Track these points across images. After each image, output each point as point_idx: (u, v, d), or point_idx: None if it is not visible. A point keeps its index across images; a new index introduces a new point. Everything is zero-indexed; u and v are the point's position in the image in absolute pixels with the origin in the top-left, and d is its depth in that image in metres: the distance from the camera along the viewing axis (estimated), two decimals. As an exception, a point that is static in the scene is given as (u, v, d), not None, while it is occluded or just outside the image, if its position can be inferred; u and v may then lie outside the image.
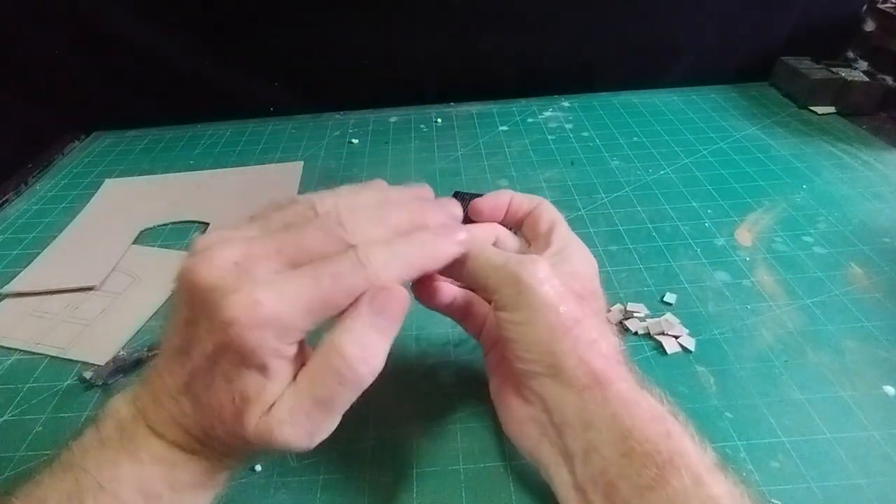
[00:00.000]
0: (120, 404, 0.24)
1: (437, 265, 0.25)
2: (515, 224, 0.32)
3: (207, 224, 0.52)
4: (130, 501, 0.22)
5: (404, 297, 0.23)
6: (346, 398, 0.22)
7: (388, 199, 0.26)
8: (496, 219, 0.32)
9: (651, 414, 0.24)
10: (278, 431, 0.21)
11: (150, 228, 0.52)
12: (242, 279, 0.20)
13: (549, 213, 0.31)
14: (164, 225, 0.53)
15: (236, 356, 0.20)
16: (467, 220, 0.32)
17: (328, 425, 0.23)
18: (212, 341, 0.21)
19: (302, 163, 0.61)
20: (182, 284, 0.22)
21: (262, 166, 0.62)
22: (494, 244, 0.31)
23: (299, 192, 0.57)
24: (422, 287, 0.30)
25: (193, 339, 0.21)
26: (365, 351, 0.22)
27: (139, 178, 0.61)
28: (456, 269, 0.27)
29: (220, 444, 0.23)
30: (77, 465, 0.22)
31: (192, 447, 0.23)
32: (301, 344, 0.22)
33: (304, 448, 0.23)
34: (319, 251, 0.22)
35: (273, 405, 0.22)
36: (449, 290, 0.32)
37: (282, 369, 0.22)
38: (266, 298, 0.20)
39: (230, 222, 0.24)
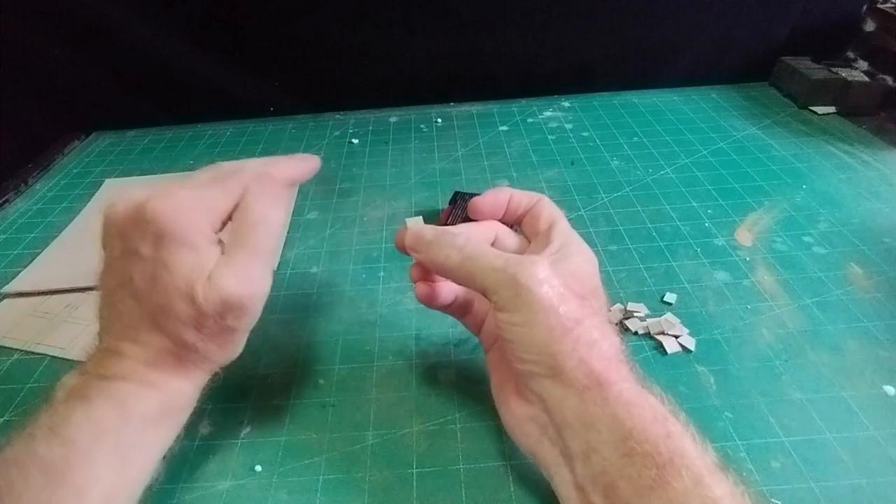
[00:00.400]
0: (66, 378, 0.26)
1: (293, 172, 0.31)
2: (515, 221, 0.32)
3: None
4: (80, 439, 0.24)
5: (279, 175, 0.30)
6: (266, 243, 0.28)
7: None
8: (496, 216, 0.32)
9: (652, 414, 0.24)
10: (223, 285, 0.26)
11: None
12: (156, 193, 0.26)
13: (549, 210, 0.31)
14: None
15: (171, 240, 0.25)
16: (467, 219, 0.32)
17: (262, 271, 0.28)
18: (147, 241, 0.25)
19: None
20: (107, 221, 0.27)
21: None
22: (494, 243, 0.31)
23: (298, 191, 0.57)
24: (423, 287, 0.31)
25: (130, 258, 0.26)
26: (264, 207, 0.28)
27: (139, 178, 0.61)
28: (454, 270, 0.28)
29: (171, 353, 0.26)
30: (30, 426, 0.24)
31: (141, 375, 0.26)
32: (220, 240, 0.27)
33: (249, 296, 0.27)
34: (212, 176, 0.29)
35: (212, 272, 0.26)
36: (450, 289, 0.32)
37: (210, 248, 0.27)
38: (178, 192, 0.26)
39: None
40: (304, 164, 0.32)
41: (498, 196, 0.32)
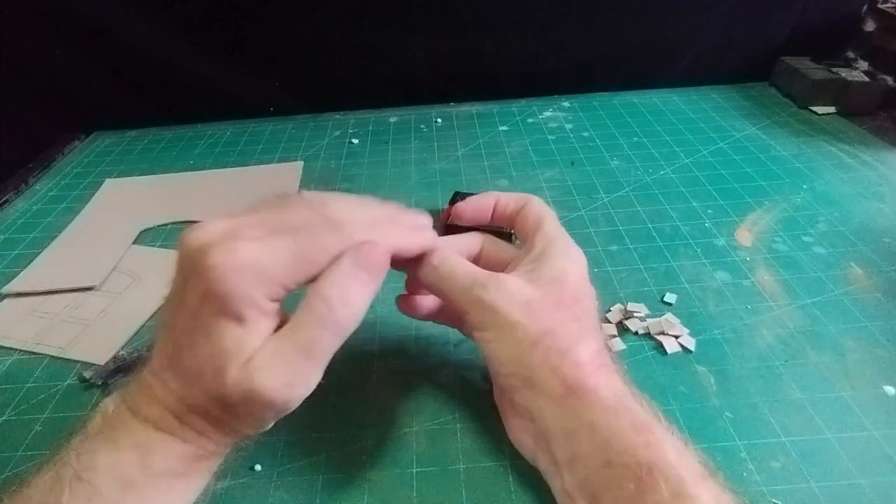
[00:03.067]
0: (109, 400, 0.24)
1: (406, 249, 0.26)
2: (507, 224, 0.32)
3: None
4: (106, 490, 0.22)
5: (385, 252, 0.24)
6: (327, 343, 0.23)
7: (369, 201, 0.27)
8: (481, 221, 0.32)
9: (631, 422, 0.23)
10: (257, 379, 0.21)
11: (151, 228, 0.52)
12: (227, 237, 0.22)
13: (535, 212, 0.30)
14: (164, 225, 0.53)
15: (216, 304, 0.21)
16: (452, 227, 0.32)
17: (308, 375, 0.23)
18: (196, 293, 0.22)
19: (302, 163, 0.61)
20: (179, 251, 0.23)
21: (263, 166, 0.62)
22: (480, 254, 0.31)
23: (298, 192, 0.57)
24: (400, 300, 0.32)
25: (181, 303, 0.22)
26: (346, 295, 0.23)
27: (139, 178, 0.61)
28: (431, 288, 0.29)
29: (199, 414, 0.23)
30: (60, 460, 0.23)
31: (169, 425, 0.23)
32: (281, 309, 0.23)
33: (284, 402, 0.22)
34: (303, 223, 0.23)
35: (252, 357, 0.22)
36: (433, 300, 0.32)
37: (260, 323, 0.22)
38: (244, 248, 0.22)
39: None
40: (419, 238, 0.27)
41: (481, 201, 0.32)
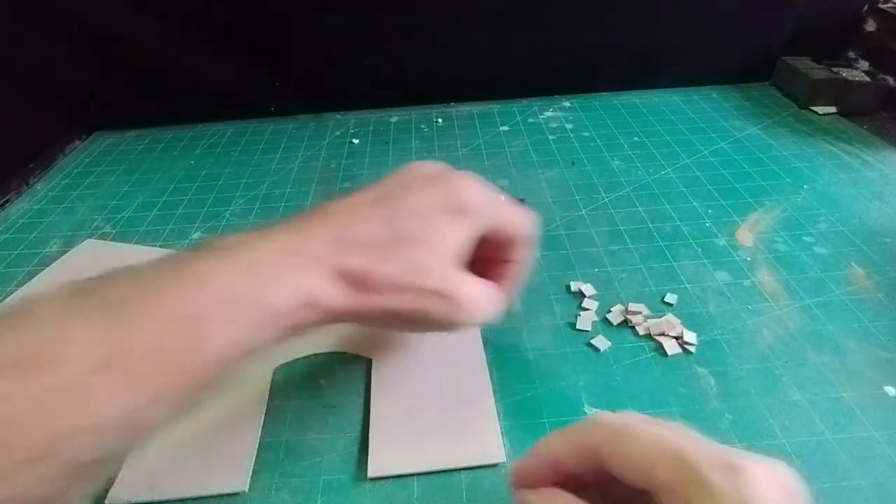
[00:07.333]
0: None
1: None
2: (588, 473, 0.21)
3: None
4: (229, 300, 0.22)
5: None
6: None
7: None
8: (543, 483, 0.22)
9: None
10: (467, 285, 0.27)
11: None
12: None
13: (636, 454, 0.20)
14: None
15: (467, 217, 0.28)
16: None
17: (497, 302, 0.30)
18: (452, 203, 0.27)
19: None
20: (418, 167, 0.31)
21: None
22: None
23: (299, 192, 0.57)
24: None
25: (420, 188, 0.28)
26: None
27: (122, 245, 0.51)
28: None
29: (367, 271, 0.25)
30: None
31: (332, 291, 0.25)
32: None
33: (471, 310, 0.27)
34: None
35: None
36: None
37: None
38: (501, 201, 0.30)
39: None
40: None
41: (536, 460, 0.22)
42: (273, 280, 0.23)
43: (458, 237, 0.27)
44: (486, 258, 0.30)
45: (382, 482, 0.31)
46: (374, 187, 0.28)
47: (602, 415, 0.22)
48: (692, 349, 0.37)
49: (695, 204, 0.51)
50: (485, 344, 0.37)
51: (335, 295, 0.24)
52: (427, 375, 0.35)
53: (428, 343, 0.37)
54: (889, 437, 0.31)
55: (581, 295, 0.41)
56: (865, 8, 0.67)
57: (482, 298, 0.28)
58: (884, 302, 0.39)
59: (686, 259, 0.44)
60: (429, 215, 0.27)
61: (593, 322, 0.39)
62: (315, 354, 0.38)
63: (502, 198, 0.30)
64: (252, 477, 0.31)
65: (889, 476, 0.29)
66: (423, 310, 0.26)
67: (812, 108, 0.65)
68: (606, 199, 0.52)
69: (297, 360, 0.38)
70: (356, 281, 0.25)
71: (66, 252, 0.49)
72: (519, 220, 0.30)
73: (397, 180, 0.29)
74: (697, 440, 0.19)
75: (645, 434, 0.19)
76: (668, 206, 0.51)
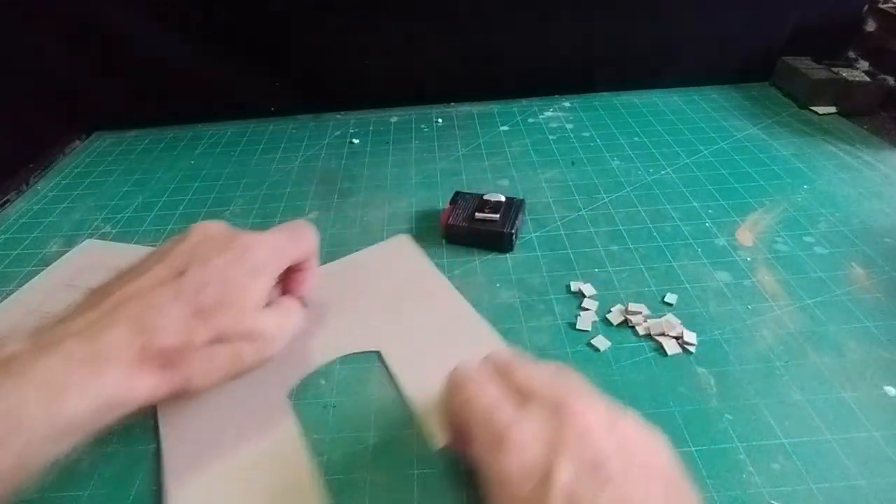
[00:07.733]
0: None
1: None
2: None
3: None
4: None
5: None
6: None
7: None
8: None
9: None
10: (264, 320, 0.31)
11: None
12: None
13: None
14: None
15: (260, 271, 0.32)
16: (469, 218, 0.32)
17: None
18: (236, 256, 0.31)
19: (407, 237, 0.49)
20: (198, 229, 0.33)
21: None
22: None
23: (299, 191, 0.57)
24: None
25: (206, 252, 0.31)
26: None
27: (123, 245, 0.51)
28: None
29: (174, 349, 0.27)
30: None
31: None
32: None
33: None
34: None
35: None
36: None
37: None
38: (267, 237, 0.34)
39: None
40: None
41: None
42: (68, 392, 0.25)
43: (259, 291, 0.31)
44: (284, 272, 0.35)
45: (383, 483, 0.30)
46: (163, 257, 0.30)
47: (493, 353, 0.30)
48: (692, 349, 0.37)
49: (695, 204, 0.51)
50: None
51: (142, 387, 0.27)
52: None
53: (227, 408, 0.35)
54: (889, 436, 0.31)
55: (581, 295, 0.41)
56: (865, 8, 0.67)
57: (284, 324, 0.32)
58: (884, 302, 0.39)
59: (686, 259, 0.44)
60: (231, 280, 0.30)
61: (593, 322, 0.39)
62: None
63: (286, 233, 0.35)
64: (252, 477, 0.31)
65: (890, 476, 0.29)
66: (237, 355, 0.29)
67: (812, 108, 0.65)
68: (606, 199, 0.52)
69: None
70: (168, 358, 0.27)
71: (66, 252, 0.50)
72: (304, 244, 0.35)
73: (188, 248, 0.31)
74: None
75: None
76: (668, 206, 0.51)
